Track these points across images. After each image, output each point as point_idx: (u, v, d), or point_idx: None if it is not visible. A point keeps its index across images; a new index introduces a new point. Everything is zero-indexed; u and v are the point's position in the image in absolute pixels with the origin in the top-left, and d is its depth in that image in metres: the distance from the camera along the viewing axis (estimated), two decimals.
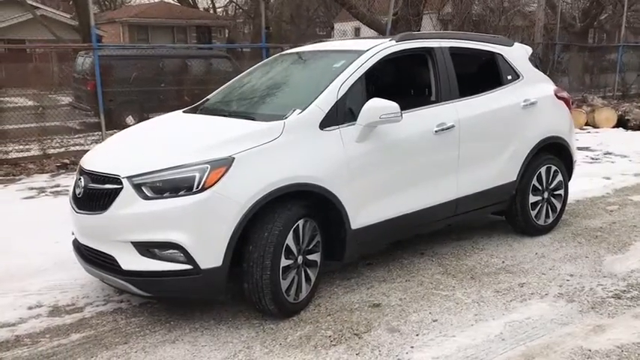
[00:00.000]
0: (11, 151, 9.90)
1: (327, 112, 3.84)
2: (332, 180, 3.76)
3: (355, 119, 3.92)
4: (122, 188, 3.45)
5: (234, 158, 3.45)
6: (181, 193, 3.37)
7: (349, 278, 4.33)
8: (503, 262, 4.64)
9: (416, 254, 4.80)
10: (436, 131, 4.36)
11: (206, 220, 3.36)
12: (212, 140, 3.68)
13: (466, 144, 4.55)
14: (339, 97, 3.92)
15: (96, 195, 3.61)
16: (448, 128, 4.42)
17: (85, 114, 12.09)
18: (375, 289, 4.13)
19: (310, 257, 3.81)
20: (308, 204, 3.75)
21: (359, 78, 4.08)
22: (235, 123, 3.98)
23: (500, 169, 4.86)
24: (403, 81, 5.27)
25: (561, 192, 5.37)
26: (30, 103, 12.45)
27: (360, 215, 3.95)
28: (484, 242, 5.09)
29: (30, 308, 3.91)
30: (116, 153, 3.97)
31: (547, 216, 5.28)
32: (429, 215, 4.45)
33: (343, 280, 4.30)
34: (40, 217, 5.82)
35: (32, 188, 7.53)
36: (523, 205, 5.08)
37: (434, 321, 3.64)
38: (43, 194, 7.18)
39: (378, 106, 3.87)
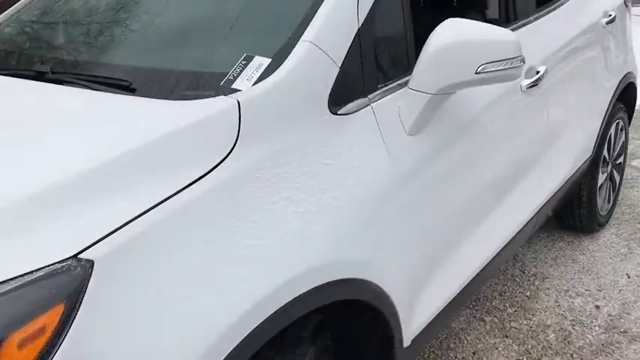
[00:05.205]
0: None
1: (341, 62, 1.41)
2: (375, 253, 1.39)
3: (401, 76, 1.55)
4: None
5: (93, 262, 0.94)
6: None
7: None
8: None
9: None
10: (527, 86, 2.09)
11: None
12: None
13: (551, 100, 2.35)
14: (361, 21, 1.48)
15: None
16: (538, 78, 2.16)
17: None
18: None
19: None
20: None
21: None
22: (80, 112, 1.31)
23: (582, 138, 2.77)
24: None
25: (621, 160, 3.43)
26: None
27: (420, 308, 1.65)
28: None
29: None
30: None
31: (607, 200, 3.34)
32: (507, 254, 2.24)
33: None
34: None
35: None
36: (591, 192, 3.05)
37: None
38: None
39: (473, 42, 1.48)
